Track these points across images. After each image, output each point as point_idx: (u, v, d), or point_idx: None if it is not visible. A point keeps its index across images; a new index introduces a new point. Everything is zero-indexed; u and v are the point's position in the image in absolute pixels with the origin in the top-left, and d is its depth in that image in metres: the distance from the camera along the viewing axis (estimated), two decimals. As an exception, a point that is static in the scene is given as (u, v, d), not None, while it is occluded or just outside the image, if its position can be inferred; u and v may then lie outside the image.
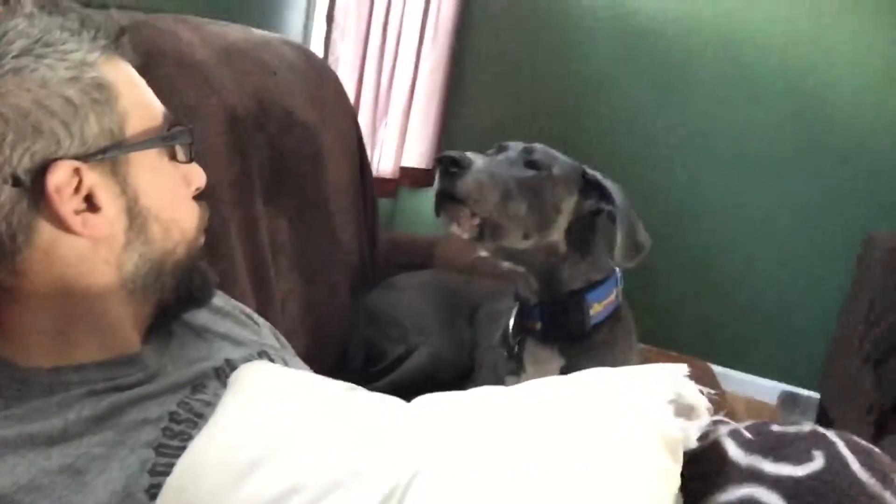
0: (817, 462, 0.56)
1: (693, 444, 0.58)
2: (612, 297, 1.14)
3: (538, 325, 1.12)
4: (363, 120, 2.67)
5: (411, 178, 2.94)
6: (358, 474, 0.55)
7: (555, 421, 0.58)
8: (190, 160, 0.74)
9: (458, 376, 1.41)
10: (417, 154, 2.92)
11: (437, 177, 1.02)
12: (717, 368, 2.22)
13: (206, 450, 0.59)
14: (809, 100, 2.64)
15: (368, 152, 1.86)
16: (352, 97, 2.60)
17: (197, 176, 0.76)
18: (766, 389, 2.86)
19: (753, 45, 2.65)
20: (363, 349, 1.50)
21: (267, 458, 0.56)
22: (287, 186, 1.33)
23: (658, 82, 2.79)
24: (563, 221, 1.10)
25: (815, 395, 2.76)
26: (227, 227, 1.10)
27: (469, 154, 1.03)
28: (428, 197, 3.12)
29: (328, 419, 0.62)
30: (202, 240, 0.77)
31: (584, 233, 1.13)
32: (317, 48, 2.60)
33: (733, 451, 0.60)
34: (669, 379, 0.62)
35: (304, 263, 1.37)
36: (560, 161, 1.11)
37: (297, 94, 1.44)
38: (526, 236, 1.06)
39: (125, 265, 0.67)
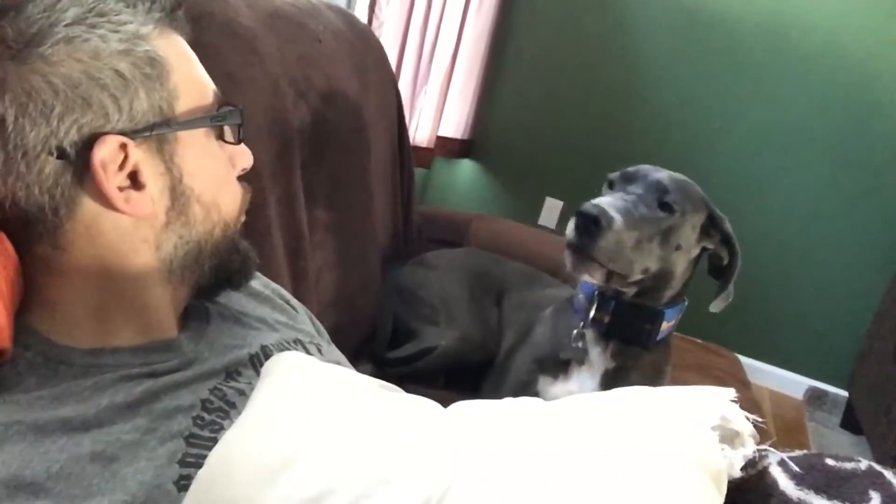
0: (874, 503, 0.54)
1: (737, 473, 0.56)
2: (675, 321, 1.15)
3: (606, 318, 1.11)
4: (403, 86, 2.63)
5: (447, 148, 2.91)
6: (390, 483, 0.53)
7: (593, 443, 0.56)
8: (239, 141, 0.72)
9: (484, 359, 1.40)
10: (454, 124, 2.89)
11: (572, 228, 1.00)
12: (744, 359, 2.19)
13: (237, 444, 0.57)
14: (857, 91, 2.56)
15: (406, 120, 1.83)
16: (393, 63, 2.56)
17: (243, 157, 0.74)
18: (794, 384, 2.83)
19: (804, 33, 2.58)
20: (392, 326, 1.49)
21: (299, 458, 0.55)
22: (327, 158, 1.31)
23: (706, 67, 2.72)
24: (683, 258, 1.09)
25: (844, 393, 2.72)
26: (265, 200, 1.09)
27: (606, 204, 0.99)
28: (462, 168, 3.12)
29: (362, 421, 0.60)
30: (243, 219, 0.75)
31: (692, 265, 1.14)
32: (361, 11, 2.56)
33: (784, 483, 0.57)
34: (715, 403, 0.59)
35: (340, 238, 1.35)
36: (691, 198, 1.07)
37: (340, 63, 1.41)
38: (646, 271, 1.05)
39: (164, 245, 0.66)
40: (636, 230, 1.00)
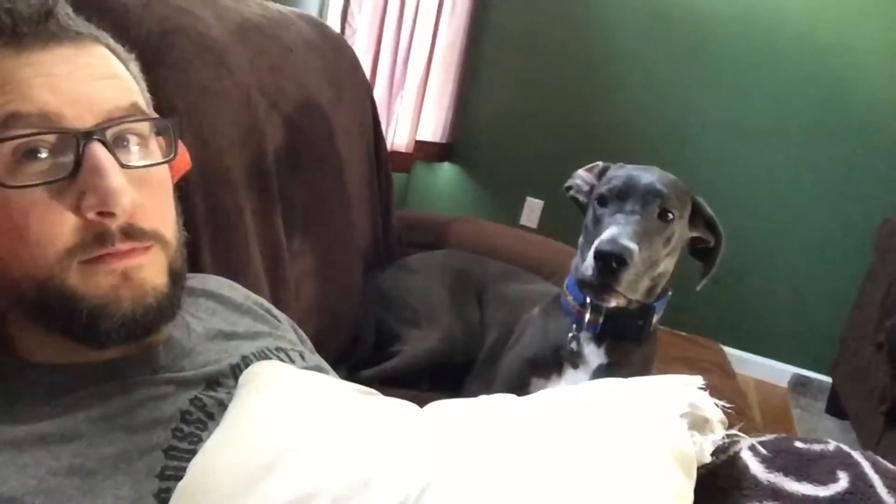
0: (842, 483, 0.55)
1: (707, 458, 0.57)
2: (661, 312, 1.17)
3: (600, 320, 1.11)
4: (379, 93, 2.64)
5: (426, 152, 2.92)
6: (368, 484, 0.54)
7: (565, 436, 0.57)
8: (72, 173, 0.57)
9: (468, 359, 1.41)
10: (433, 128, 2.90)
11: (592, 267, 1.00)
12: (728, 350, 2.22)
13: (217, 454, 0.58)
14: (830, 82, 2.61)
15: (383, 126, 1.83)
16: (368, 70, 2.57)
17: (88, 195, 0.57)
18: (778, 372, 2.86)
19: (777, 23, 2.62)
20: (375, 331, 1.49)
21: (278, 464, 0.56)
22: (302, 167, 1.32)
23: (680, 61, 2.75)
24: (677, 253, 1.12)
25: (827, 379, 2.75)
26: (241, 211, 1.09)
27: (622, 236, 1.00)
28: (442, 171, 3.13)
29: (340, 425, 0.61)
30: (112, 265, 0.60)
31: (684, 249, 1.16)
32: (333, 20, 2.56)
33: (754, 466, 0.59)
34: (683, 390, 0.60)
35: (319, 246, 1.36)
36: (681, 195, 1.09)
37: (312, 72, 1.42)
38: (653, 277, 1.08)
39: None
40: (647, 250, 1.02)
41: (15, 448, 0.55)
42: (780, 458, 0.58)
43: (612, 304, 1.06)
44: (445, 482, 0.54)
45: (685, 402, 0.57)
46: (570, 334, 1.14)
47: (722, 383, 1.79)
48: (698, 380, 0.60)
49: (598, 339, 1.14)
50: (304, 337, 0.95)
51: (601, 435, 0.56)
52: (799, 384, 2.80)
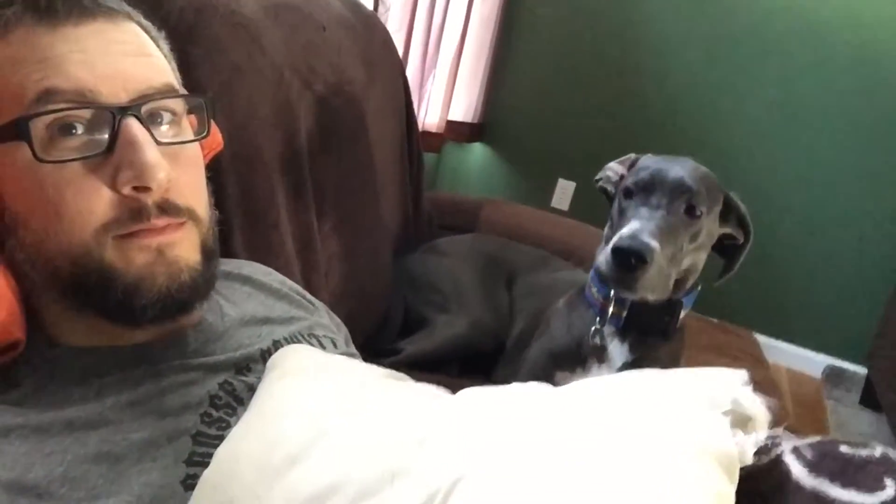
0: (888, 491, 0.53)
1: (750, 459, 0.55)
2: (689, 307, 1.13)
3: (623, 313, 1.08)
4: (411, 72, 2.62)
5: (457, 132, 2.89)
6: (397, 476, 0.53)
7: (601, 432, 0.55)
8: (108, 149, 0.57)
9: (497, 345, 1.39)
10: (464, 108, 2.87)
11: (609, 263, 0.97)
12: (761, 338, 2.18)
13: (242, 444, 0.57)
14: (872, 62, 2.52)
15: (415, 105, 1.81)
16: (400, 48, 2.54)
17: (124, 170, 0.57)
18: (812, 362, 2.81)
19: (824, 14, 2.53)
20: (403, 314, 1.49)
21: (302, 455, 0.55)
22: (334, 147, 1.30)
23: (718, 42, 2.69)
24: (706, 250, 1.09)
25: (863, 370, 2.70)
26: (273, 192, 1.08)
27: (643, 233, 0.96)
28: (473, 153, 3.10)
29: (368, 413, 0.60)
30: (145, 242, 0.59)
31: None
32: (366, -4, 2.54)
33: (797, 470, 0.57)
34: (727, 385, 0.58)
35: (349, 227, 1.35)
36: (711, 191, 1.04)
37: (345, 51, 1.40)
38: (679, 273, 1.04)
39: (19, 266, 0.60)
40: (671, 247, 0.98)
41: (42, 433, 0.55)
42: (824, 462, 0.56)
43: (650, 297, 1.01)
44: (477, 476, 0.52)
45: (728, 397, 0.55)
46: (593, 328, 1.11)
47: (754, 372, 1.75)
48: (743, 374, 0.58)
49: (622, 335, 1.10)
50: (340, 323, 0.95)
51: (638, 431, 0.54)
52: (833, 374, 2.75)
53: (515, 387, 0.65)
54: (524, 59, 2.97)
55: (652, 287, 0.97)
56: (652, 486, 0.50)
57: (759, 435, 0.56)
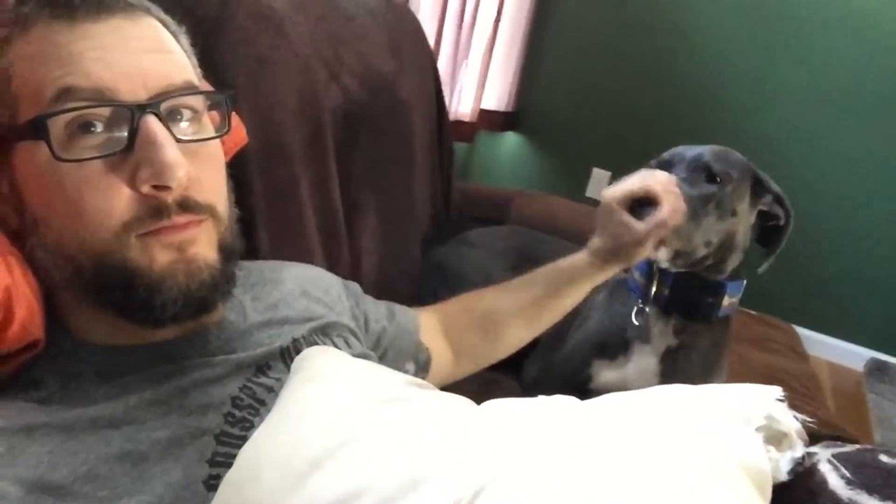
0: (930, 504, 0.50)
1: (784, 477, 0.52)
2: (737, 298, 1.11)
3: (666, 291, 1.08)
4: (443, 60, 2.60)
5: (490, 121, 2.87)
6: (420, 484, 0.52)
7: (631, 446, 0.53)
8: (127, 147, 0.56)
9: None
10: (497, 96, 2.84)
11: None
12: (801, 330, 2.12)
13: (265, 446, 0.56)
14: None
15: (447, 94, 1.79)
16: (432, 36, 2.52)
17: (143, 167, 0.56)
18: (854, 355, 2.74)
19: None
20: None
21: (328, 458, 0.54)
22: (362, 139, 1.29)
23: (753, 29, 2.62)
24: (742, 224, 1.07)
25: (906, 365, 2.63)
26: (297, 184, 1.07)
27: None
28: (506, 142, 3.07)
29: (391, 421, 0.58)
30: (167, 241, 0.59)
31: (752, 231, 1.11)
32: (398, -16, 2.52)
33: (833, 481, 0.54)
34: (761, 402, 0.56)
35: (378, 219, 1.34)
36: (734, 164, 1.05)
37: (374, 41, 1.38)
38: (709, 244, 1.03)
39: (40, 265, 0.60)
40: (691, 207, 0.98)
41: (66, 432, 0.55)
42: (862, 473, 0.54)
43: (662, 256, 1.01)
44: (501, 486, 0.51)
45: (762, 413, 0.53)
46: (636, 308, 1.11)
47: (794, 366, 1.71)
48: (777, 390, 0.56)
49: (666, 316, 1.10)
50: (370, 304, 0.93)
51: (668, 446, 0.52)
52: (875, 368, 2.68)
53: (541, 399, 0.63)
54: (557, 47, 2.92)
55: (673, 238, 0.97)
56: (682, 501, 0.48)
57: (795, 452, 0.54)
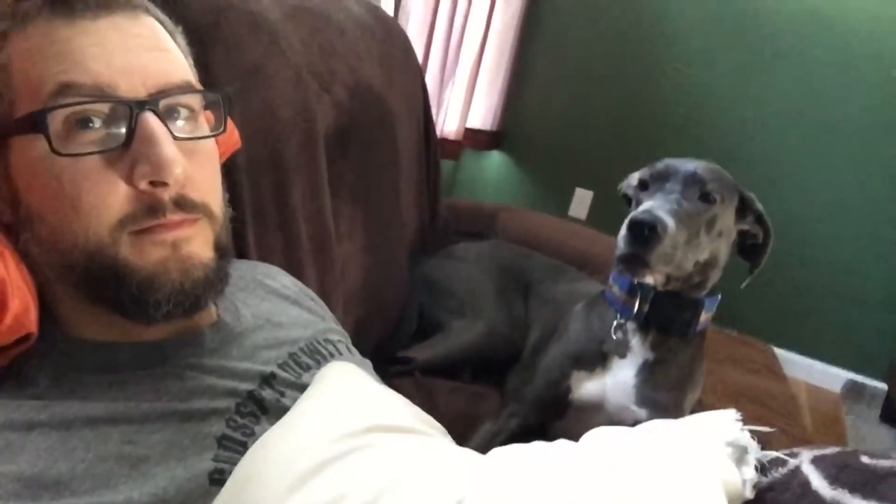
0: (911, 503, 0.52)
1: (749, 493, 0.55)
2: (712, 312, 1.13)
3: (646, 307, 1.09)
4: (430, 78, 2.62)
5: (476, 140, 2.89)
6: (401, 485, 0.53)
7: (618, 468, 0.55)
8: (125, 143, 0.57)
9: (512, 353, 1.38)
10: (483, 115, 2.87)
11: (625, 238, 0.98)
12: (780, 352, 2.15)
13: (274, 448, 0.57)
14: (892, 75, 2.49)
15: (433, 112, 1.81)
16: (420, 54, 2.55)
17: (141, 163, 0.57)
18: (831, 377, 2.78)
19: (840, 19, 2.51)
20: (418, 318, 1.48)
21: (326, 466, 0.55)
22: (352, 151, 1.30)
23: (738, 52, 2.68)
24: (725, 244, 1.09)
25: (883, 386, 2.66)
26: (290, 193, 1.08)
27: (657, 209, 0.98)
28: (491, 160, 3.10)
29: (394, 443, 0.60)
30: (161, 237, 0.59)
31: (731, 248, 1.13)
32: (387, 2, 2.54)
33: (816, 482, 0.55)
34: (723, 424, 0.60)
35: (366, 230, 1.35)
36: (726, 183, 1.06)
37: (364, 55, 1.40)
38: (697, 263, 1.04)
39: (33, 259, 0.60)
40: (686, 228, 0.99)
41: (63, 429, 0.54)
42: (845, 473, 0.55)
43: (654, 281, 1.04)
44: (479, 500, 0.52)
45: (726, 436, 0.57)
46: (615, 322, 1.12)
47: (771, 386, 1.73)
48: (733, 413, 0.60)
49: (644, 331, 1.11)
50: (345, 333, 0.94)
51: (653, 469, 0.54)
52: (853, 390, 2.71)
53: (542, 445, 0.64)
54: (543, 69, 2.96)
55: (666, 260, 0.98)
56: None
57: (751, 459, 0.58)
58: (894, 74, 2.48)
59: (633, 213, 0.98)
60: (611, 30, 2.83)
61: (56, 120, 0.55)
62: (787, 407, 1.66)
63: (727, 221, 1.07)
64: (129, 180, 0.57)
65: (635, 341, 1.11)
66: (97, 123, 0.56)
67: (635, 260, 0.98)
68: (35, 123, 0.55)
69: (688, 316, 1.09)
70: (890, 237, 2.60)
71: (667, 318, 1.09)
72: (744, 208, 1.10)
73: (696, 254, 1.02)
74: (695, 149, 2.74)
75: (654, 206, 0.99)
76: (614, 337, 1.12)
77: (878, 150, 2.55)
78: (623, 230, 0.98)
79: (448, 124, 2.79)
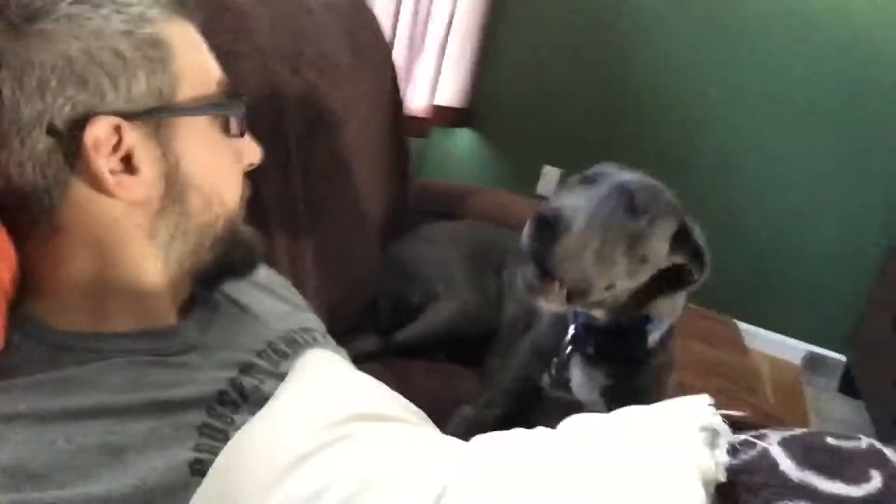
0: (874, 482, 0.54)
1: (722, 476, 0.56)
2: (662, 331, 1.04)
3: (590, 350, 1.03)
4: (398, 55, 2.59)
5: (444, 117, 2.88)
6: (385, 479, 0.54)
7: (596, 452, 0.56)
8: (242, 134, 0.71)
9: (486, 331, 1.40)
10: (451, 92, 2.86)
11: (527, 234, 0.86)
12: (742, 325, 2.20)
13: (256, 438, 0.58)
14: (857, 55, 2.54)
15: (402, 90, 1.80)
16: (388, 30, 2.52)
17: (250, 152, 0.74)
18: (792, 349, 2.84)
19: (813, 7, 2.55)
20: (391, 301, 1.48)
21: (308, 457, 0.55)
22: (321, 131, 1.29)
23: (708, 31, 2.70)
24: (649, 273, 0.95)
25: (842, 358, 2.73)
26: (258, 178, 1.07)
27: (565, 204, 0.87)
28: (460, 137, 3.09)
29: (377, 431, 0.60)
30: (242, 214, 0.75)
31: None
32: (353, -22, 2.51)
33: (785, 464, 0.57)
34: (696, 410, 0.61)
35: (336, 212, 1.34)
36: (661, 203, 0.93)
37: (332, 35, 1.39)
38: (611, 288, 0.92)
39: (159, 233, 0.65)
40: (599, 235, 0.86)
41: (45, 421, 0.54)
42: (811, 455, 0.57)
43: (552, 302, 0.89)
44: (463, 489, 0.53)
45: (699, 421, 0.58)
46: (555, 359, 1.04)
47: (734, 359, 1.77)
48: (706, 397, 0.61)
49: (593, 367, 1.03)
50: (320, 322, 0.95)
51: (627, 455, 0.55)
52: (812, 361, 2.79)
53: (522, 432, 0.64)
54: (511, 45, 2.95)
55: (568, 267, 0.85)
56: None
57: (722, 443, 0.59)
58: (857, 52, 2.52)
59: (539, 206, 0.89)
60: (580, 7, 2.83)
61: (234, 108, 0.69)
62: (749, 380, 1.70)
63: (657, 247, 0.93)
64: (238, 164, 0.72)
65: (588, 375, 1.05)
66: None
67: (538, 260, 0.87)
68: (226, 108, 0.68)
69: (636, 343, 1.01)
70: (851, 216, 2.66)
71: (612, 350, 1.03)
72: (682, 241, 0.96)
73: (609, 274, 0.90)
74: (662, 127, 2.77)
75: (564, 201, 0.88)
76: (554, 375, 1.05)
77: (841, 132, 2.60)
78: (527, 225, 0.88)
79: (417, 101, 2.77)
